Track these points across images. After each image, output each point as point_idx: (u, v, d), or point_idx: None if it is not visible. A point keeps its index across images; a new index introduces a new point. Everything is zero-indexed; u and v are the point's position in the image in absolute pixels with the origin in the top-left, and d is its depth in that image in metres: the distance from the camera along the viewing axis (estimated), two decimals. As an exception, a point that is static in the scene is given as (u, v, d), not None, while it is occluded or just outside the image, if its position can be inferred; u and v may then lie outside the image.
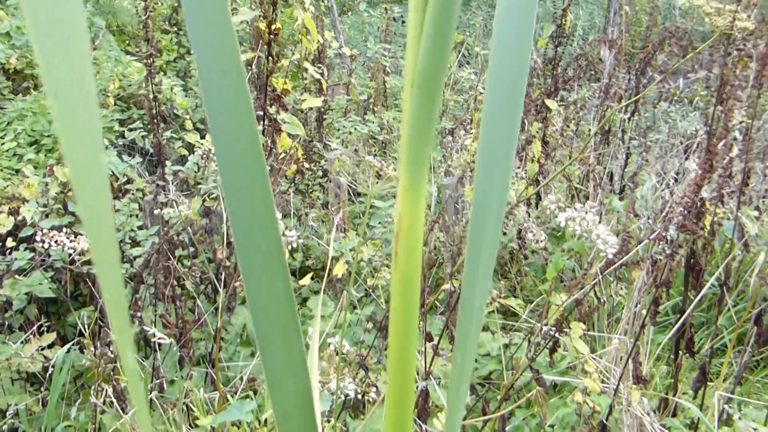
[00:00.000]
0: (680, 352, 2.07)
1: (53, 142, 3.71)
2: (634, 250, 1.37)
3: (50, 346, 2.25)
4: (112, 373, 1.62)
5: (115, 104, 4.12)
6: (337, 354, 1.37)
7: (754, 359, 2.37)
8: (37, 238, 1.52)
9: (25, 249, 1.72)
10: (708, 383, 2.11)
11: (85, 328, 1.80)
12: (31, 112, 3.93)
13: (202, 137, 3.07)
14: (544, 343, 1.45)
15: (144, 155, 3.36)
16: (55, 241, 1.50)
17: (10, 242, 1.80)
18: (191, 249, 2.18)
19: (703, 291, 1.78)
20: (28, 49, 4.49)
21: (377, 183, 1.04)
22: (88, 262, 1.72)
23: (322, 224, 3.20)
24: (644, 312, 1.59)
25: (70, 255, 1.53)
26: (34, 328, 2.16)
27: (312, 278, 3.01)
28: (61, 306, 2.59)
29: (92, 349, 1.56)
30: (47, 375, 2.12)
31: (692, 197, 1.41)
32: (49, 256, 1.76)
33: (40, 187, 2.46)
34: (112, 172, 2.65)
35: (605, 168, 2.96)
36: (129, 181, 2.79)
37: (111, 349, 1.59)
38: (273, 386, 0.34)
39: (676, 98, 5.17)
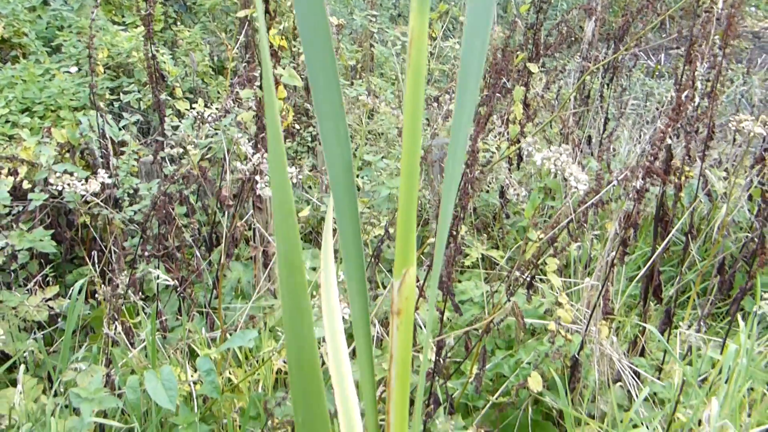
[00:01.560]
0: (648, 298, 2.22)
1: (45, 109, 3.77)
2: (604, 190, 1.50)
3: (54, 298, 2.36)
4: (121, 311, 1.74)
5: (105, 73, 4.17)
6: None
7: (718, 307, 2.54)
8: (51, 180, 1.62)
9: (41, 190, 1.82)
10: (673, 329, 2.27)
11: (96, 268, 1.91)
12: (21, 80, 3.97)
13: (191, 106, 3.15)
14: (522, 278, 1.58)
15: (134, 124, 3.43)
16: (68, 184, 1.60)
17: (26, 184, 1.89)
18: (193, 200, 2.28)
19: (669, 237, 1.92)
20: (15, 17, 4.51)
21: (368, 123, 1.15)
22: (100, 204, 1.83)
23: (311, 189, 3.31)
24: (614, 254, 1.73)
25: (82, 196, 1.63)
26: (39, 277, 2.26)
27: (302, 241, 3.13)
28: (59, 267, 2.69)
29: (102, 288, 1.67)
30: (55, 329, 2.23)
31: (659, 144, 1.55)
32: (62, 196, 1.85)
33: (38, 149, 2.55)
34: (110, 135, 2.73)
35: (584, 132, 3.09)
36: (123, 143, 2.87)
37: (120, 289, 1.70)
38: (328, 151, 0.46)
39: (657, 73, 5.32)
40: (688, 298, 2.67)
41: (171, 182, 1.70)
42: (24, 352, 2.14)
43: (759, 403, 1.59)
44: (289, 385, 0.44)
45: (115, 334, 1.63)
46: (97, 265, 1.91)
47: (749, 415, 1.53)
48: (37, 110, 3.69)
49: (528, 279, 1.65)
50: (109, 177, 1.79)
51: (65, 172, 1.71)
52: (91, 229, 2.11)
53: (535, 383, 1.64)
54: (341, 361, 0.48)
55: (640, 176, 1.56)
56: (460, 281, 2.46)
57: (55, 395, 1.65)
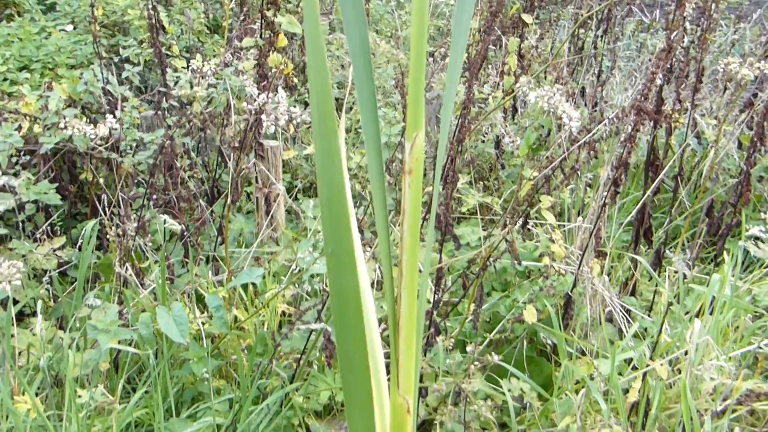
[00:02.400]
0: (639, 241, 2.30)
1: (42, 68, 3.78)
2: (596, 128, 1.56)
3: (61, 248, 2.42)
4: (130, 254, 1.80)
5: (100, 31, 4.17)
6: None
7: (707, 252, 2.62)
8: (61, 125, 1.67)
9: (50, 135, 1.86)
10: (662, 272, 2.35)
11: (105, 212, 1.97)
12: (17, 38, 3.97)
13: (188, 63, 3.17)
14: (517, 213, 1.65)
15: (136, 75, 3.45)
16: (77, 129, 1.64)
17: (37, 128, 1.94)
18: (195, 156, 2.33)
19: (659, 178, 1.99)
20: (7, -25, 4.47)
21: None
22: (109, 149, 1.87)
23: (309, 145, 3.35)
24: (605, 193, 1.80)
25: (92, 140, 1.67)
26: (46, 226, 2.32)
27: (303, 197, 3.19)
28: (64, 223, 2.75)
29: (113, 229, 1.73)
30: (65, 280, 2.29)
31: (649, 84, 1.60)
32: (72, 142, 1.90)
33: (42, 101, 2.58)
34: (110, 91, 2.76)
35: (578, 83, 3.13)
36: (124, 99, 2.90)
37: (129, 231, 1.76)
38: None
39: (652, 30, 5.34)
40: (677, 244, 2.75)
41: (177, 126, 1.75)
42: (36, 298, 2.21)
43: (741, 330, 1.68)
44: (321, 222, 0.50)
45: (125, 273, 1.69)
46: (107, 209, 1.97)
47: (734, 341, 1.62)
48: (35, 68, 3.70)
49: (522, 216, 1.72)
50: (117, 121, 1.84)
51: (75, 116, 1.75)
52: (95, 184, 2.16)
53: (530, 315, 1.72)
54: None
55: (631, 115, 1.61)
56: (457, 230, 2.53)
57: (71, 331, 1.73)
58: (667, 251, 2.20)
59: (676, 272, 2.35)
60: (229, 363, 2.09)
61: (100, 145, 1.86)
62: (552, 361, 2.18)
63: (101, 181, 2.01)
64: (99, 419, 1.68)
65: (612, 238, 2.37)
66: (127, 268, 1.74)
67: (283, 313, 2.19)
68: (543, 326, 1.89)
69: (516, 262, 1.72)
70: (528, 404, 1.66)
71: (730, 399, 1.45)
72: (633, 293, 2.31)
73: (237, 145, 1.72)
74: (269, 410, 1.69)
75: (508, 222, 1.66)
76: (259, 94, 1.61)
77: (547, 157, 1.63)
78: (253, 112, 1.60)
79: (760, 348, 1.55)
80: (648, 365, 1.43)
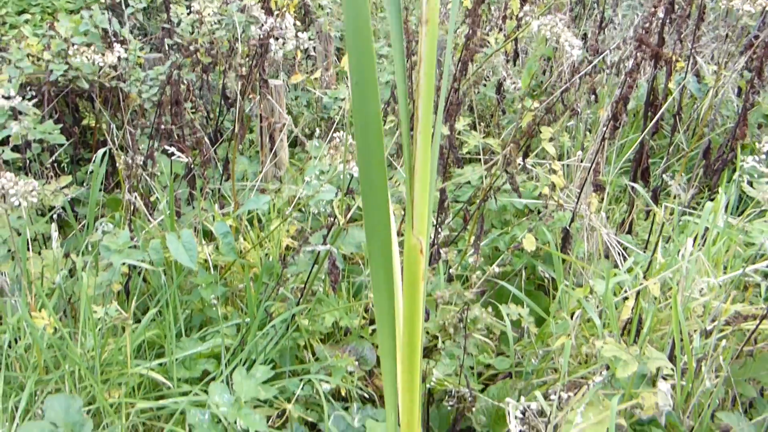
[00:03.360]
0: (637, 180, 2.34)
1: (42, 12, 3.76)
2: (597, 59, 1.59)
3: (68, 187, 2.46)
4: (139, 183, 1.85)
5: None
6: (342, 145, 1.61)
7: (701, 197, 2.67)
8: (70, 52, 1.69)
9: (59, 63, 1.88)
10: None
11: (114, 141, 2.01)
12: (16, -19, 3.93)
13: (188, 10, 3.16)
14: (518, 147, 1.69)
15: (133, 25, 3.44)
16: (86, 57, 1.66)
17: (47, 56, 1.96)
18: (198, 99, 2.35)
19: (658, 116, 2.02)
20: None
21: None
22: (117, 78, 1.90)
23: (311, 92, 3.36)
24: (604, 129, 1.83)
25: (100, 68, 1.70)
26: (52, 161, 2.35)
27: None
28: (68, 166, 2.79)
29: (122, 157, 1.77)
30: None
31: (650, 17, 1.62)
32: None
33: (44, 41, 2.58)
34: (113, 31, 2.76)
35: (581, 29, 3.14)
36: (125, 42, 2.91)
37: (138, 161, 1.80)
38: None
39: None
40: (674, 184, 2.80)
41: (185, 56, 1.77)
42: (44, 233, 2.26)
43: (732, 259, 1.73)
44: (347, 54, 0.54)
45: (135, 200, 1.74)
46: (116, 139, 2.00)
47: (724, 268, 1.67)
48: (34, 11, 3.69)
49: (524, 148, 1.76)
50: (125, 50, 1.86)
51: (84, 44, 1.77)
52: (98, 129, 2.18)
53: (529, 243, 1.78)
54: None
55: (632, 47, 1.64)
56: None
57: (83, 255, 1.78)
58: (665, 180, 2.23)
59: (672, 213, 2.40)
60: (236, 294, 2.15)
61: (108, 75, 1.88)
62: (550, 296, 2.25)
63: (106, 115, 2.03)
64: (113, 339, 1.74)
65: (610, 182, 2.41)
66: (136, 196, 1.78)
67: (288, 247, 2.25)
68: (541, 262, 1.94)
69: (516, 194, 1.76)
70: (526, 328, 1.73)
71: (718, 320, 1.52)
72: (629, 232, 2.36)
73: (244, 73, 1.75)
74: (276, 332, 1.75)
75: (508, 155, 1.70)
76: (266, 19, 1.63)
77: (548, 90, 1.66)
78: (261, 36, 1.62)
79: (748, 275, 1.61)
80: (642, 284, 1.49)
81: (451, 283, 2.05)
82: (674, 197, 2.00)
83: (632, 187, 2.33)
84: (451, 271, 2.14)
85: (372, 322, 1.97)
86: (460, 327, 1.90)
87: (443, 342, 1.89)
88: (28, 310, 1.55)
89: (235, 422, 1.35)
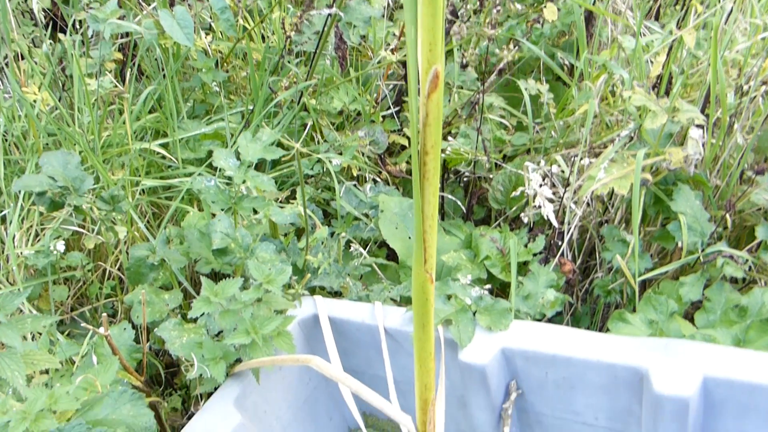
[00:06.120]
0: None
1: None
2: None
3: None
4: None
5: None
6: None
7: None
8: None
9: None
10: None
11: None
12: None
13: None
14: None
15: None
16: None
17: None
18: None
19: None
20: None
21: None
22: None
23: None
24: None
25: None
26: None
27: None
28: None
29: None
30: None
31: None
32: None
33: None
34: None
35: None
36: None
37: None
38: None
39: None
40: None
41: None
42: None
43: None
44: None
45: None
46: None
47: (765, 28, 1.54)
48: None
49: None
50: None
51: None
52: None
53: (551, 13, 1.64)
54: None
55: None
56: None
57: (71, 35, 1.66)
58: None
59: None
60: (238, 90, 2.05)
61: None
62: (565, 85, 2.14)
63: None
64: (112, 123, 1.67)
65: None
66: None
67: (288, 38, 2.12)
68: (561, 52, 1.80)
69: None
70: (545, 104, 1.64)
71: (755, 80, 1.41)
72: (657, 19, 2.20)
73: None
74: (282, 113, 1.67)
75: None
76: None
77: None
78: None
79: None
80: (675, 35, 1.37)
81: (465, 69, 1.94)
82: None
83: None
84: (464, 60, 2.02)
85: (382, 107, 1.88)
86: (475, 111, 1.81)
87: (457, 128, 1.81)
88: (18, 85, 1.47)
89: (243, 182, 1.30)
